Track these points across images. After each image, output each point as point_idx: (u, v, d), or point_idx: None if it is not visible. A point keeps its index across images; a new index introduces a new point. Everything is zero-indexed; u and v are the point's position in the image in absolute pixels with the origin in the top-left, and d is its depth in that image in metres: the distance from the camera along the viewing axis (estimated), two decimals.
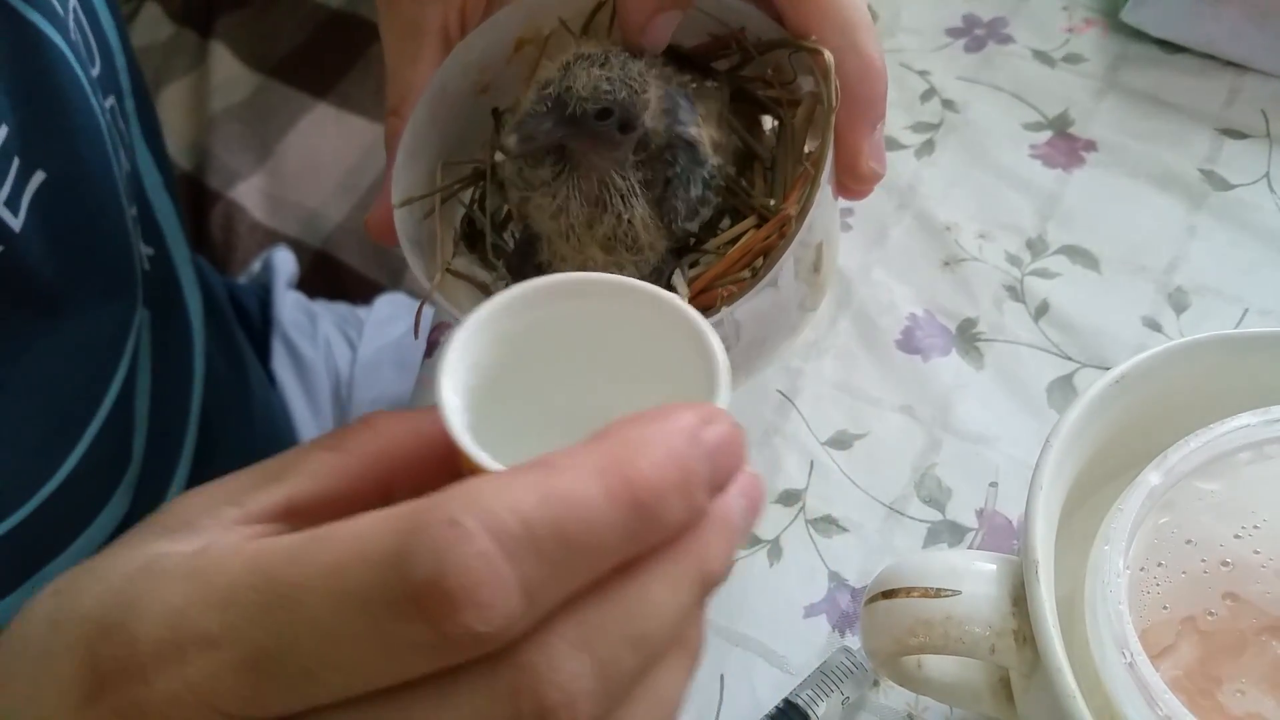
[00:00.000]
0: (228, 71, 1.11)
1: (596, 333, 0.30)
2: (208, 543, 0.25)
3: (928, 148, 0.59)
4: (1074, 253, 0.55)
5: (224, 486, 0.27)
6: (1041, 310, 0.53)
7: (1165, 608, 0.33)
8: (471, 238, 0.44)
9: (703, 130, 0.39)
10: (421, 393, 0.56)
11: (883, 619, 0.34)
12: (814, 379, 0.52)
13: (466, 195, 0.45)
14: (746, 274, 0.39)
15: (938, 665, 0.38)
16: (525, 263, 0.42)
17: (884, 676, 0.42)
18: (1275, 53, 0.58)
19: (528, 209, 0.41)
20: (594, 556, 0.22)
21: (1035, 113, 0.60)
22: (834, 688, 0.42)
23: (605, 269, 0.40)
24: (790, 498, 0.49)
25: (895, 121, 0.60)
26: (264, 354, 0.77)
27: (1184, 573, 0.33)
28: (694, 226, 0.40)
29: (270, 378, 0.76)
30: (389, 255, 0.98)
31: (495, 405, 0.29)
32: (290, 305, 0.79)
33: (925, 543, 0.47)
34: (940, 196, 0.58)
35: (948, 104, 0.61)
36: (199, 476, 0.58)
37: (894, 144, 0.59)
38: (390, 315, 0.83)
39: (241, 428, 0.67)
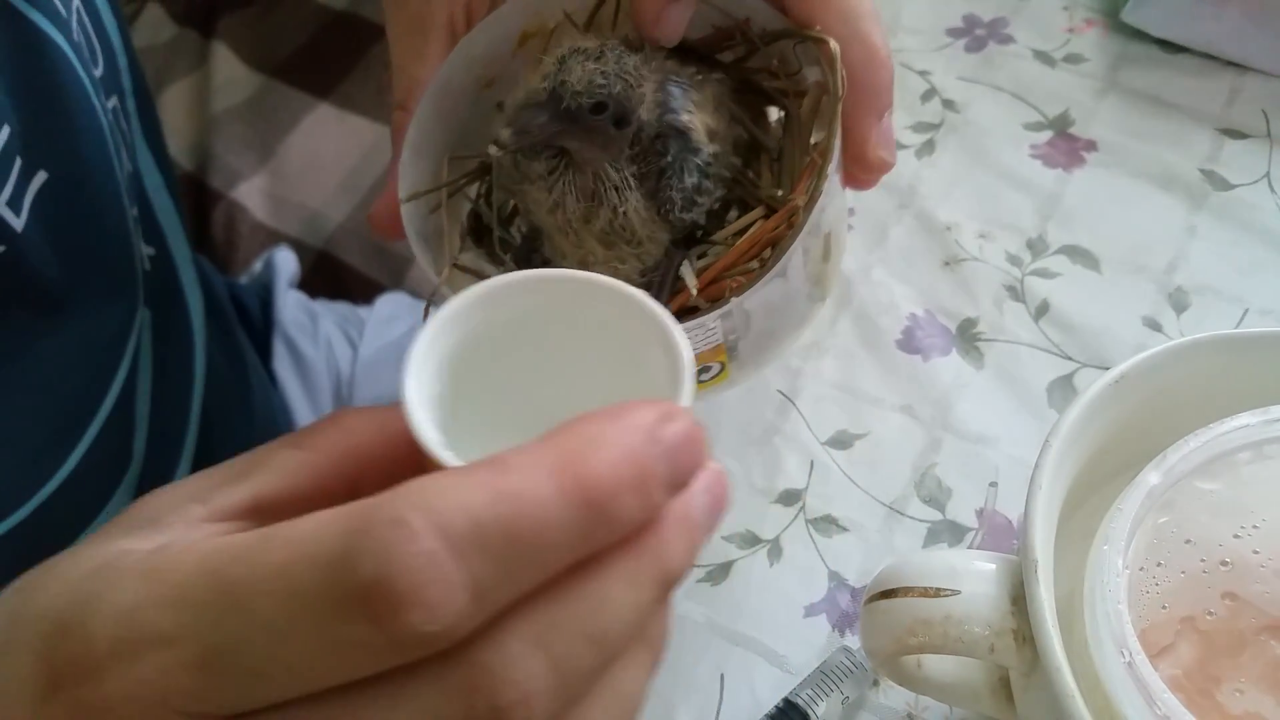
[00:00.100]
0: (230, 72, 1.11)
1: (567, 329, 0.29)
2: (168, 541, 0.25)
3: (928, 148, 0.59)
4: (1074, 253, 0.55)
5: (192, 484, 0.27)
6: (1042, 310, 0.53)
7: (1164, 607, 0.33)
8: (478, 232, 0.44)
9: (696, 118, 0.39)
10: None
11: (882, 618, 0.34)
12: (814, 379, 0.53)
13: (472, 190, 0.45)
14: (755, 265, 0.39)
15: (937, 665, 0.38)
16: (532, 257, 0.42)
17: (883, 676, 0.42)
18: (1275, 53, 0.58)
19: (527, 204, 0.41)
20: (545, 555, 0.22)
21: (1036, 113, 0.60)
22: (834, 687, 0.42)
23: (606, 263, 0.40)
24: (790, 497, 0.49)
25: (896, 121, 0.60)
26: (265, 354, 0.76)
27: (1183, 572, 0.33)
28: (693, 217, 0.40)
29: (271, 377, 0.76)
30: (390, 255, 0.98)
31: (466, 403, 0.29)
32: (291, 305, 0.79)
33: (925, 542, 0.47)
34: (941, 196, 0.58)
35: (948, 104, 0.61)
36: None
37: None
38: (392, 314, 0.83)
39: (242, 428, 0.67)
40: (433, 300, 0.41)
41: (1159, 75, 0.60)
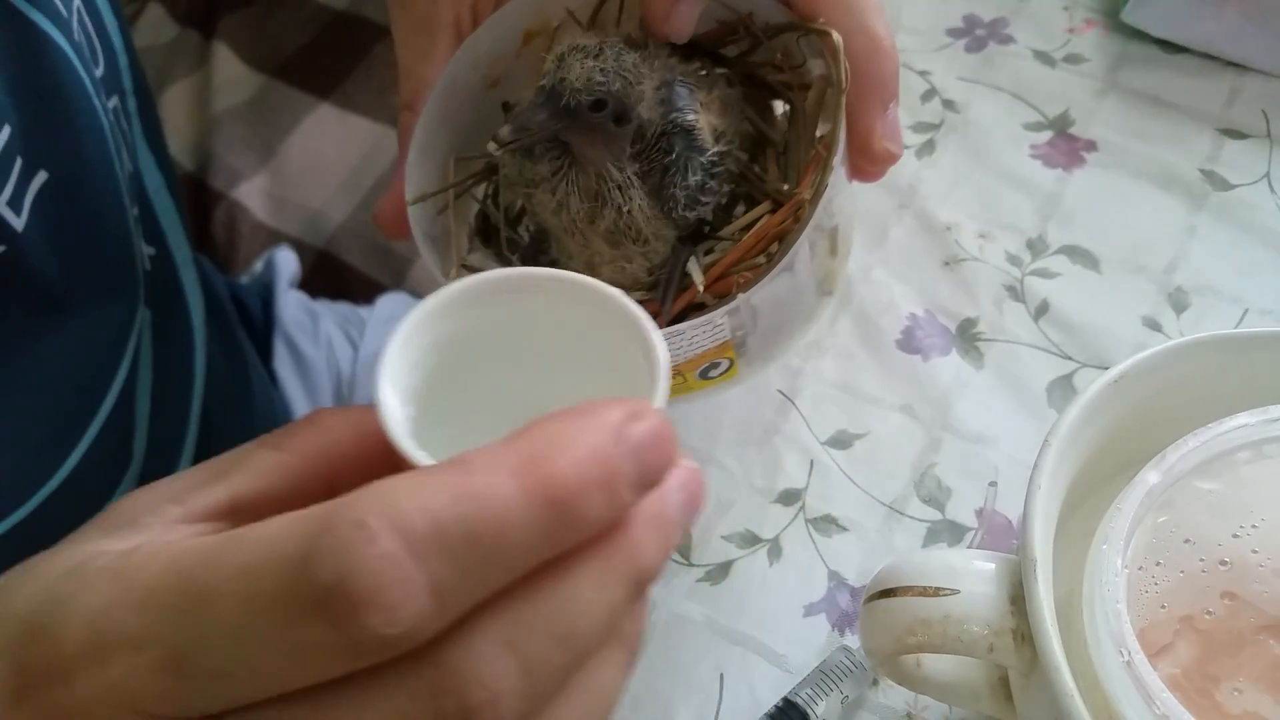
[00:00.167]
0: (231, 72, 1.11)
1: (548, 328, 0.29)
2: (141, 542, 0.25)
3: (928, 148, 0.60)
4: (1074, 253, 0.55)
5: (169, 485, 0.27)
6: (1041, 310, 0.53)
7: (1163, 607, 0.33)
8: (486, 232, 0.44)
9: (701, 117, 0.39)
10: None
11: (882, 618, 0.34)
12: (814, 379, 0.53)
13: (480, 190, 0.45)
14: (762, 260, 0.39)
15: (936, 664, 0.38)
16: (539, 257, 0.42)
17: (883, 675, 0.42)
18: (1275, 53, 0.58)
19: (532, 206, 0.41)
20: (510, 556, 0.21)
21: (1036, 113, 0.60)
22: (833, 687, 0.42)
23: (613, 262, 0.40)
24: (790, 497, 0.49)
25: None
26: (266, 353, 0.76)
27: (1182, 572, 0.33)
28: (697, 215, 0.40)
29: (272, 377, 0.76)
30: (391, 255, 0.98)
31: (446, 402, 0.28)
32: (292, 305, 0.79)
33: (925, 542, 0.47)
34: (941, 196, 0.58)
35: (948, 104, 0.61)
36: None
37: None
38: (393, 314, 0.83)
39: (243, 427, 0.67)
40: None
41: (1159, 75, 0.60)
